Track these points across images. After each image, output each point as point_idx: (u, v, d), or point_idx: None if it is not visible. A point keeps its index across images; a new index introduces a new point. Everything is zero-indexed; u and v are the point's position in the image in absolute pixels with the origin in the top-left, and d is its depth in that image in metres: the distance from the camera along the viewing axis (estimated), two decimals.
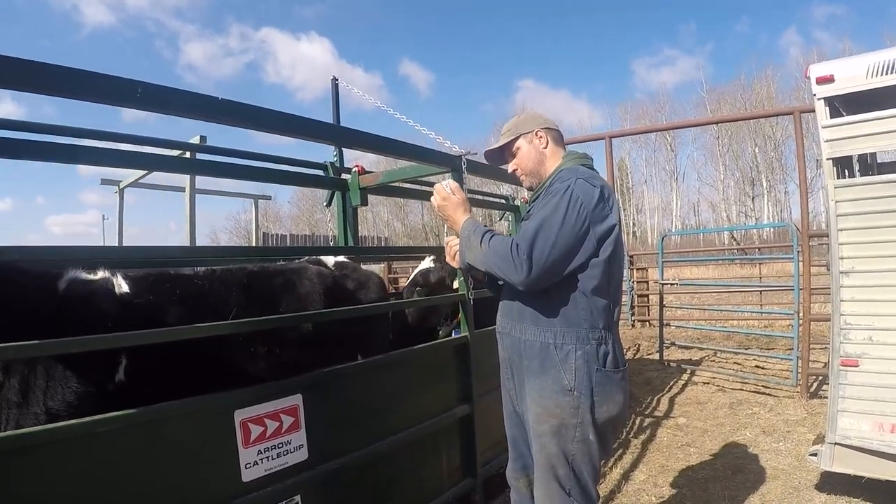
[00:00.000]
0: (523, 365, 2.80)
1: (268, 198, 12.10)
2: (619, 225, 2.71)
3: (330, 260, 4.29)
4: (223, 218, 74.13)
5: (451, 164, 4.30)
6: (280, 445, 2.98)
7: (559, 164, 2.92)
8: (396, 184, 5.50)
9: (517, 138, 2.99)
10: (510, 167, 3.07)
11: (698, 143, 61.55)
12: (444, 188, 2.99)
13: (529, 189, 3.08)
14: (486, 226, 2.82)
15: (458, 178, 4.14)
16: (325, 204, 5.68)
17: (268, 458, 2.92)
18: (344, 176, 5.59)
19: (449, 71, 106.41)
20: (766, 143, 56.21)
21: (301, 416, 3.08)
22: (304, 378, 3.17)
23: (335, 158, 5.63)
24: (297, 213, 70.20)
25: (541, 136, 2.95)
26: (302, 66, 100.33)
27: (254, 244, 11.84)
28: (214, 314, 3.01)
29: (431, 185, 6.15)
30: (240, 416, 2.79)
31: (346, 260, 4.42)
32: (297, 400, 3.07)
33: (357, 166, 5.39)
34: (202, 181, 7.52)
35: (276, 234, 20.47)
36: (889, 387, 4.14)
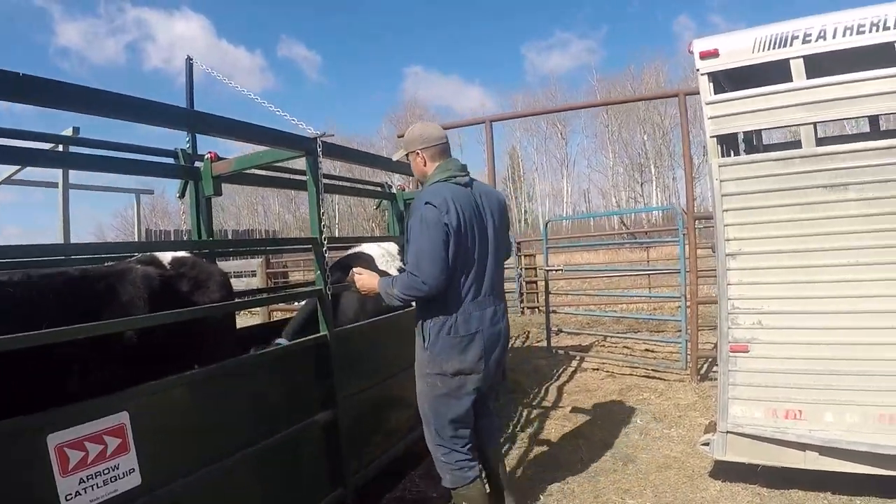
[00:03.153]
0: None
1: (150, 192, 11.50)
2: (462, 221, 3.48)
3: (167, 256, 3.82)
4: (109, 215, 70.83)
5: (305, 147, 3.96)
6: (106, 471, 2.51)
7: (433, 177, 3.69)
8: (252, 171, 5.05)
9: (407, 154, 3.81)
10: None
11: (588, 130, 63.76)
12: (354, 275, 3.82)
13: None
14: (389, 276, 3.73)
15: (314, 162, 3.97)
16: (177, 195, 5.19)
17: (92, 486, 2.45)
18: (197, 164, 5.10)
19: (335, 55, 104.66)
20: (654, 131, 58.26)
21: (129, 437, 2.62)
22: (129, 393, 2.69)
23: (188, 145, 5.11)
24: (186, 209, 67.99)
25: (419, 154, 3.74)
26: (182, 47, 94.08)
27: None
28: (24, 325, 2.54)
29: (291, 171, 5.85)
30: (54, 440, 2.33)
31: (186, 256, 3.95)
32: (122, 418, 2.60)
33: (210, 153, 4.88)
34: (80, 176, 7.29)
35: (161, 231, 19.59)
36: (780, 372, 4.06)
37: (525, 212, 65.02)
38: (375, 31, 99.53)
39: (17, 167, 6.50)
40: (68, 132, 5.28)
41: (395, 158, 4.03)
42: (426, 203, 3.43)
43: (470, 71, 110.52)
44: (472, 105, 78.65)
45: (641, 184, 59.46)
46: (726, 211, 4.21)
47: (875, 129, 5.04)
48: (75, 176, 7.54)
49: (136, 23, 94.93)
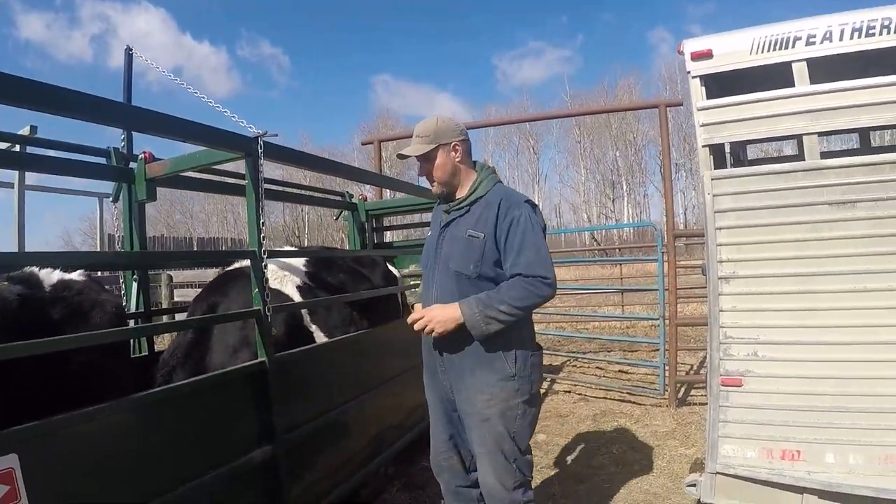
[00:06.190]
0: (464, 361, 3.15)
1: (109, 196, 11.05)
2: None
3: (52, 277, 3.27)
4: (77, 219, 68.47)
5: (245, 148, 3.46)
6: None
7: (475, 178, 3.25)
8: (191, 174, 4.55)
9: (436, 148, 3.18)
10: (425, 173, 3.29)
11: (560, 146, 63.89)
12: (419, 315, 3.13)
13: (439, 195, 3.34)
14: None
15: (253, 165, 3.45)
16: (111, 200, 4.62)
17: None
18: (132, 165, 4.45)
19: (303, 59, 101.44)
20: (626, 148, 58.73)
21: (20, 484, 2.12)
22: (19, 431, 2.16)
23: (122, 144, 4.56)
24: (154, 215, 66.19)
25: (457, 149, 3.20)
26: (146, 43, 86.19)
27: (98, 247, 11.04)
28: None
29: (232, 174, 5.28)
30: None
31: (76, 280, 3.42)
32: (11, 462, 2.10)
33: (145, 153, 4.24)
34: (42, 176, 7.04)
35: (122, 237, 18.80)
36: (777, 408, 3.68)
37: None
38: (339, 33, 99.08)
39: None
40: (25, 131, 5.02)
41: (408, 153, 3.25)
42: (526, 202, 3.13)
43: (442, 80, 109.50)
44: (443, 114, 77.53)
45: (613, 200, 59.94)
46: (720, 229, 3.82)
47: (865, 143, 4.70)
48: (37, 176, 7.00)
49: (99, 17, 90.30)
